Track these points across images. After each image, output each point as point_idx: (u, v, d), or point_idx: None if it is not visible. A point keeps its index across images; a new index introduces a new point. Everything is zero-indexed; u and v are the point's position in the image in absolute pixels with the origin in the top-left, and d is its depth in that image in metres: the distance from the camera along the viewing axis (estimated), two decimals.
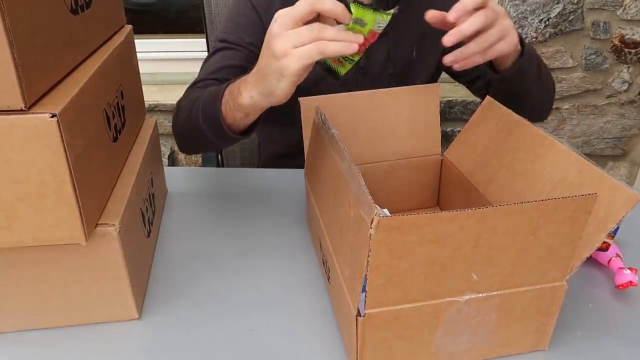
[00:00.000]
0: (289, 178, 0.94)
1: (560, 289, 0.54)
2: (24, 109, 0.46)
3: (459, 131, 0.80)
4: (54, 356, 0.59)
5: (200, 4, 1.17)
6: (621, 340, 0.61)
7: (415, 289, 0.50)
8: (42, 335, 0.61)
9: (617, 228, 0.54)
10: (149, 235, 0.73)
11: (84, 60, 0.60)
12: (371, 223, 0.44)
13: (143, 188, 0.72)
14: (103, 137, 0.61)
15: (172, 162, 1.74)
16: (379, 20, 0.58)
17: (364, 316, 0.50)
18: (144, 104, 0.85)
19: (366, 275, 0.47)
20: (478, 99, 1.69)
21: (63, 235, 0.53)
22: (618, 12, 1.58)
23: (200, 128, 0.74)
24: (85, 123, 0.54)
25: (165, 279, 0.71)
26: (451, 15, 0.59)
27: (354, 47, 0.56)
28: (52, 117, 0.46)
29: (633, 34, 1.62)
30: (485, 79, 0.89)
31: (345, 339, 0.59)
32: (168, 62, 1.79)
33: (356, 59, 0.62)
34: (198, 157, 1.66)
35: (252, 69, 0.66)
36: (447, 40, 0.61)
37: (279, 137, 1.06)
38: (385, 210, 0.45)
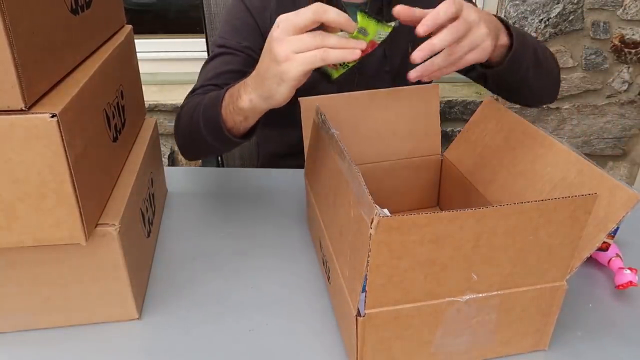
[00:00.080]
0: (289, 178, 0.94)
1: (560, 289, 0.54)
2: (24, 109, 0.46)
3: (459, 131, 0.80)
4: (54, 356, 0.59)
5: (200, 4, 1.17)
6: (621, 340, 0.61)
7: (415, 289, 0.50)
8: (42, 335, 0.61)
9: (617, 228, 0.54)
10: (149, 235, 0.73)
11: (84, 60, 0.60)
12: (371, 223, 0.44)
13: (143, 188, 0.72)
14: (103, 137, 0.61)
15: (172, 162, 1.74)
16: (380, 32, 0.58)
17: (364, 316, 0.50)
18: (144, 104, 0.85)
19: (366, 275, 0.47)
20: (478, 99, 1.70)
21: (63, 235, 0.53)
22: (618, 12, 1.58)
23: (201, 133, 0.74)
24: (85, 123, 0.54)
25: (165, 279, 0.71)
26: (421, 28, 0.57)
27: (357, 54, 0.56)
28: (52, 117, 0.46)
29: (633, 34, 1.62)
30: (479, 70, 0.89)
31: (345, 339, 0.59)
32: (168, 62, 1.79)
33: (350, 64, 0.62)
34: None
35: (251, 73, 0.66)
36: (417, 56, 0.59)
37: (277, 138, 1.06)
38: (385, 210, 0.45)
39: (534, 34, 1.60)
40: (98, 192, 0.58)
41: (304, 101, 0.71)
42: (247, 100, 0.65)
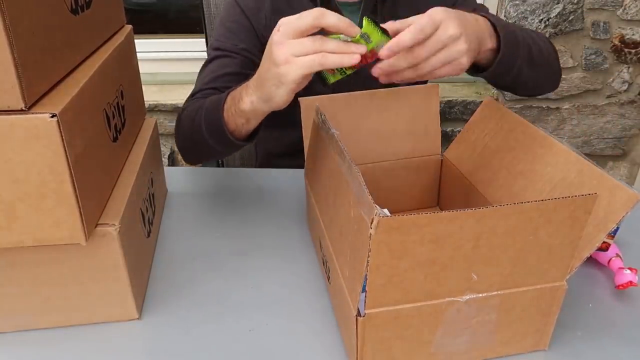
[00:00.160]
0: (289, 178, 0.94)
1: (560, 289, 0.54)
2: (24, 109, 0.46)
3: (459, 131, 0.79)
4: (54, 356, 0.59)
5: (200, 4, 1.17)
6: (621, 340, 0.61)
7: (415, 289, 0.50)
8: (42, 335, 0.61)
9: (617, 228, 0.54)
10: (149, 235, 0.73)
11: (84, 60, 0.60)
12: (371, 223, 0.44)
13: (143, 188, 0.72)
14: (103, 137, 0.61)
15: (172, 162, 1.74)
16: (382, 43, 0.58)
17: (364, 316, 0.50)
18: (144, 104, 0.85)
19: (366, 275, 0.47)
20: (478, 99, 1.70)
21: (63, 235, 0.53)
22: (618, 12, 1.58)
23: (203, 136, 0.74)
24: (85, 123, 0.54)
25: (165, 279, 0.71)
26: (383, 53, 0.57)
27: (356, 58, 0.56)
28: (52, 117, 0.46)
29: (633, 34, 1.62)
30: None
31: (345, 339, 0.59)
32: (168, 62, 1.79)
33: (348, 72, 0.62)
34: None
35: (249, 75, 0.66)
36: (374, 72, 0.60)
37: (274, 138, 1.06)
38: (386, 210, 0.45)
39: None
40: (98, 192, 0.58)
41: (304, 101, 0.71)
42: (249, 102, 0.65)
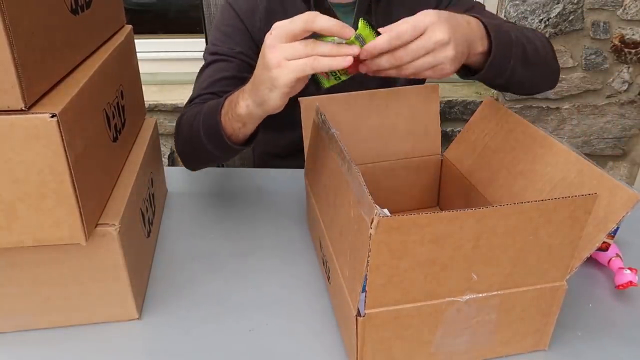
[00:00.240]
0: (289, 178, 0.94)
1: (560, 289, 0.54)
2: (24, 109, 0.46)
3: (459, 131, 0.79)
4: (54, 356, 0.59)
5: (200, 4, 1.17)
6: (621, 340, 0.61)
7: (415, 289, 0.50)
8: (42, 335, 0.61)
9: (617, 228, 0.54)
10: (149, 235, 0.73)
11: (84, 60, 0.60)
12: (371, 223, 0.44)
13: (143, 188, 0.72)
14: (103, 137, 0.61)
15: (172, 162, 1.74)
16: None
17: (364, 316, 0.50)
18: (144, 104, 0.85)
19: (366, 275, 0.47)
20: (478, 99, 1.70)
21: (63, 235, 0.53)
22: (618, 12, 1.58)
23: (202, 141, 0.74)
24: (85, 123, 0.54)
25: (165, 279, 0.71)
26: (362, 54, 0.58)
27: (348, 60, 0.56)
28: (52, 117, 0.46)
29: (633, 34, 1.62)
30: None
31: (345, 339, 0.59)
32: (168, 62, 1.79)
33: (343, 78, 0.62)
34: None
35: (247, 78, 0.66)
36: (361, 68, 0.60)
37: (272, 140, 1.06)
38: (386, 210, 0.45)
39: None
40: (98, 192, 0.58)
41: (304, 101, 0.71)
42: (244, 106, 0.65)
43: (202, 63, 0.93)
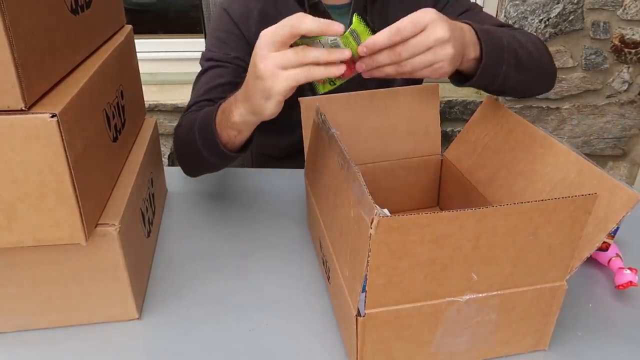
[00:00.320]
0: (289, 178, 0.94)
1: (560, 289, 0.54)
2: (24, 109, 0.46)
3: (459, 131, 0.79)
4: (54, 356, 0.59)
5: (199, 4, 1.17)
6: (621, 340, 0.61)
7: (415, 289, 0.50)
8: (42, 335, 0.61)
9: (617, 228, 0.54)
10: (149, 235, 0.73)
11: (84, 60, 0.60)
12: (371, 223, 0.44)
13: (143, 188, 0.72)
14: (103, 137, 0.61)
15: (172, 162, 1.74)
16: None
17: (364, 316, 0.50)
18: (144, 104, 0.85)
19: (366, 275, 0.47)
20: (478, 99, 1.70)
21: (63, 235, 0.53)
22: (618, 12, 1.58)
23: (199, 150, 0.74)
24: (85, 123, 0.54)
25: (165, 279, 0.71)
26: (361, 50, 0.57)
27: (342, 68, 0.56)
28: (52, 117, 0.46)
29: (633, 34, 1.62)
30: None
31: (345, 339, 0.59)
32: (168, 62, 1.79)
33: (338, 83, 0.62)
34: None
35: (242, 83, 0.66)
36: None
37: (269, 142, 1.06)
38: (386, 210, 0.45)
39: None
40: (98, 192, 0.58)
41: (303, 101, 0.71)
42: (238, 114, 0.65)
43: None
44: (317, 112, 0.68)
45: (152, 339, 0.61)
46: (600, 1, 1.56)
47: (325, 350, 0.59)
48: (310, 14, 0.56)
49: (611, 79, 1.69)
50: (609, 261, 0.70)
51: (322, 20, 0.54)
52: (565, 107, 1.73)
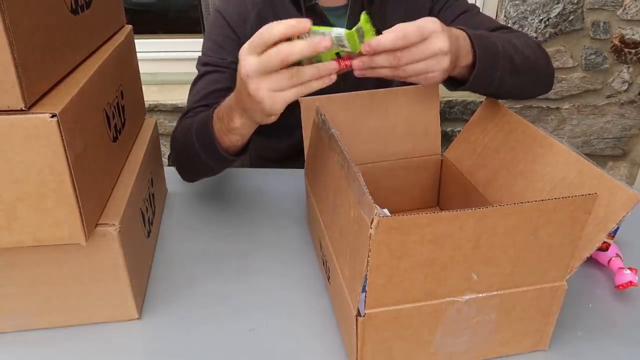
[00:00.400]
0: (289, 178, 0.94)
1: (560, 289, 0.54)
2: (24, 109, 0.46)
3: (459, 131, 0.79)
4: (54, 356, 0.59)
5: (198, 4, 1.17)
6: (621, 340, 0.61)
7: (415, 289, 0.50)
8: (42, 335, 0.61)
9: (617, 228, 0.54)
10: (149, 235, 0.73)
11: (84, 60, 0.60)
12: (371, 223, 0.44)
13: (143, 188, 0.71)
14: (103, 137, 0.61)
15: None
16: None
17: (364, 316, 0.50)
18: (144, 104, 0.85)
19: (366, 275, 0.47)
20: (478, 99, 1.70)
21: (63, 235, 0.53)
22: (618, 12, 1.58)
23: (198, 155, 0.74)
24: (85, 123, 0.54)
25: (165, 279, 0.71)
26: (364, 48, 0.58)
27: (334, 78, 0.56)
28: (52, 117, 0.46)
29: (633, 34, 1.62)
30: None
31: (345, 339, 0.59)
32: (168, 62, 1.79)
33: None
34: None
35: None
36: (355, 65, 0.60)
37: (268, 145, 1.06)
38: (386, 210, 0.45)
39: (533, 34, 1.60)
40: (98, 192, 0.58)
41: (304, 101, 0.71)
42: (240, 122, 0.65)
43: None
44: (317, 112, 0.68)
45: (152, 339, 0.61)
46: (600, 1, 1.56)
47: (325, 350, 0.59)
48: (307, 16, 0.56)
49: (611, 79, 1.69)
50: (609, 261, 0.70)
51: (288, 20, 0.53)
52: (565, 107, 1.73)
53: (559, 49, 1.63)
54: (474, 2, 1.58)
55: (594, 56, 1.65)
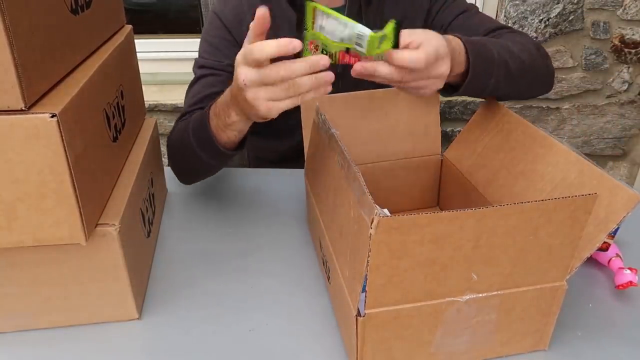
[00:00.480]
0: (289, 178, 0.94)
1: (560, 289, 0.54)
2: (24, 109, 0.46)
3: (459, 131, 0.79)
4: (54, 356, 0.59)
5: (198, 4, 1.17)
6: (621, 340, 0.60)
7: (415, 289, 0.50)
8: (42, 335, 0.61)
9: (617, 228, 0.54)
10: (149, 235, 0.73)
11: (84, 60, 0.60)
12: (371, 223, 0.44)
13: (143, 188, 0.71)
14: (103, 137, 0.61)
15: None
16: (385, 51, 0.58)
17: (364, 316, 0.50)
18: (144, 104, 0.85)
19: (366, 275, 0.47)
20: (478, 100, 1.70)
21: (63, 235, 0.53)
22: (618, 12, 1.58)
23: (196, 154, 0.74)
24: (85, 123, 0.54)
25: (165, 279, 0.71)
26: (390, 58, 0.59)
27: (328, 89, 0.57)
28: (52, 117, 0.46)
29: (633, 34, 1.62)
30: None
31: (345, 339, 0.59)
32: (168, 62, 1.79)
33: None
34: None
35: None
36: (356, 69, 0.61)
37: (268, 147, 1.06)
38: (386, 210, 0.46)
39: (533, 34, 1.60)
40: (98, 192, 0.58)
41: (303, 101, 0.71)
42: (236, 118, 0.66)
43: None
44: (317, 112, 0.68)
45: (152, 339, 0.61)
46: (600, 1, 1.56)
47: (325, 350, 0.59)
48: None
49: (611, 79, 1.69)
50: (609, 261, 0.70)
51: (280, 40, 0.53)
52: (565, 107, 1.73)
53: (559, 49, 1.63)
54: (473, 2, 1.58)
55: (594, 56, 1.65)
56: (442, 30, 0.92)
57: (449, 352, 0.56)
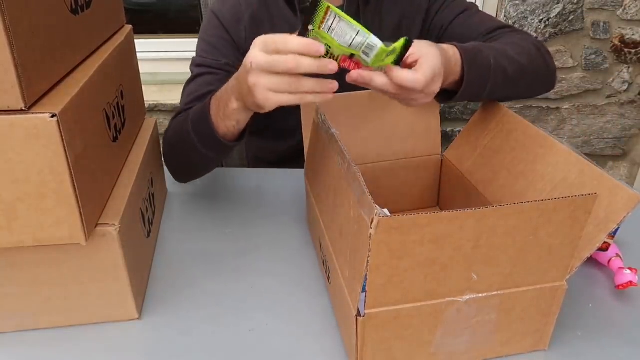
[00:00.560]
0: (289, 178, 0.94)
1: (560, 289, 0.54)
2: (24, 109, 0.46)
3: (459, 131, 0.79)
4: (54, 356, 0.59)
5: (198, 4, 1.17)
6: (621, 340, 0.61)
7: (415, 289, 0.50)
8: (42, 335, 0.61)
9: (618, 228, 0.54)
10: (149, 235, 0.73)
11: (84, 60, 0.60)
12: (371, 223, 0.44)
13: (143, 188, 0.72)
14: (103, 137, 0.61)
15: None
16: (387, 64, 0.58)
17: (364, 316, 0.50)
18: (144, 104, 0.85)
19: (366, 275, 0.47)
20: None
21: (63, 235, 0.53)
22: (618, 12, 1.58)
23: (194, 146, 0.74)
24: (85, 123, 0.54)
25: (165, 279, 0.71)
26: (390, 75, 0.58)
27: (331, 97, 0.56)
28: (52, 117, 0.46)
29: (633, 34, 1.62)
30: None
31: (345, 339, 0.59)
32: (168, 62, 1.79)
33: None
34: None
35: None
36: (352, 76, 0.59)
37: (267, 147, 1.06)
38: (386, 210, 0.46)
39: (533, 34, 1.60)
40: (98, 192, 0.58)
41: None
42: (236, 105, 0.66)
43: None
44: (317, 112, 0.68)
45: (152, 339, 0.61)
46: (600, 1, 1.56)
47: (325, 350, 0.59)
48: (302, 17, 0.55)
49: (611, 79, 1.69)
50: (609, 261, 0.70)
51: (305, 40, 0.53)
52: (565, 107, 1.73)
53: (559, 49, 1.63)
54: (473, 1, 1.58)
55: (594, 56, 1.65)
56: (442, 30, 0.92)
57: (449, 352, 0.56)
